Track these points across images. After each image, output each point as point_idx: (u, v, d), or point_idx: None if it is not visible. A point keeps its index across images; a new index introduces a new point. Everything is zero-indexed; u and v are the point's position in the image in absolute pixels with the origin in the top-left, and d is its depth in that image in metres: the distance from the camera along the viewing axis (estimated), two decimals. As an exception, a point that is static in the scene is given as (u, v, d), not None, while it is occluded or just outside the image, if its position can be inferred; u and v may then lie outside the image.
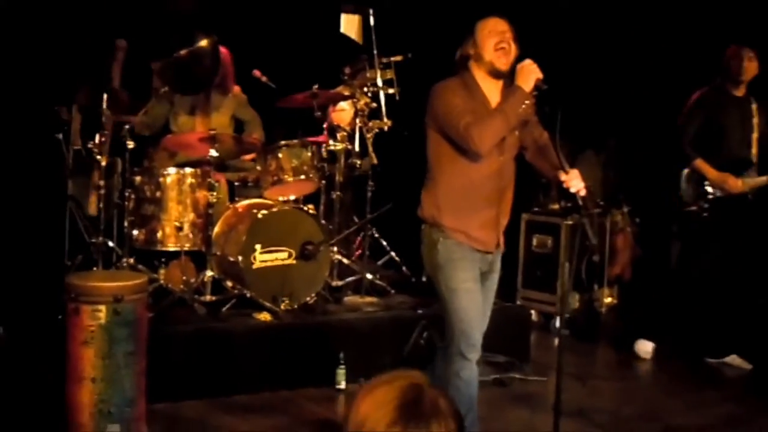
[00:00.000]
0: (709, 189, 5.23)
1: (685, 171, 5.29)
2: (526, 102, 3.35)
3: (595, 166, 6.93)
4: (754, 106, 5.30)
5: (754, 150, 5.29)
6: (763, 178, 5.19)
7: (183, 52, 4.87)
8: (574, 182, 3.37)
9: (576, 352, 5.64)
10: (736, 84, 5.25)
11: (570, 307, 6.35)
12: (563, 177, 3.37)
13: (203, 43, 4.91)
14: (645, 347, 5.50)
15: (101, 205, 4.76)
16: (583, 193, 3.37)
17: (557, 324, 6.14)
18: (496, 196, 3.51)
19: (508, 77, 3.42)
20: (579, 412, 4.45)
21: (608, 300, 6.79)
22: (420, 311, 5.02)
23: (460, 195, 3.46)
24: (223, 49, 5.39)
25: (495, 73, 3.44)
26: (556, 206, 6.42)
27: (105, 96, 4.73)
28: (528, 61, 3.37)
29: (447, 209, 3.47)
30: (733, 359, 5.38)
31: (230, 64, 5.46)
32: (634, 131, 7.72)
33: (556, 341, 5.96)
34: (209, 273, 4.86)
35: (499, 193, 3.52)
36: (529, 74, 3.33)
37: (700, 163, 5.22)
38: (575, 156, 6.77)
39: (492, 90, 3.46)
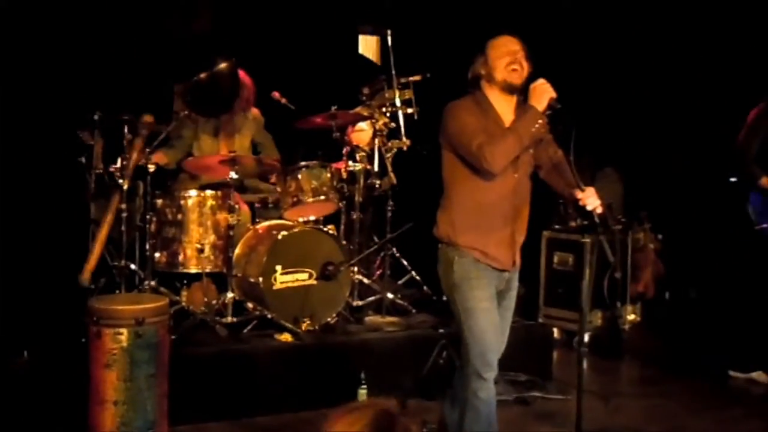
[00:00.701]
0: None
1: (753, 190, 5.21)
2: (540, 121, 3.36)
3: (615, 183, 6.90)
4: None
5: None
6: None
7: (203, 75, 4.92)
8: (590, 200, 3.36)
9: (599, 370, 5.61)
10: None
11: (593, 325, 6.31)
12: (579, 195, 3.37)
13: (222, 66, 4.96)
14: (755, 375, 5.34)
15: (123, 228, 4.79)
16: (599, 210, 3.36)
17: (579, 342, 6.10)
18: (511, 214, 3.50)
19: (522, 94, 3.43)
20: (602, 431, 4.42)
21: (631, 317, 6.74)
22: (441, 330, 5.00)
23: (475, 213, 3.46)
24: (241, 72, 5.44)
25: (509, 89, 3.44)
26: (575, 223, 6.39)
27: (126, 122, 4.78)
28: (541, 81, 3.38)
29: (462, 228, 3.47)
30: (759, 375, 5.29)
31: (251, 86, 5.52)
32: (654, 147, 7.70)
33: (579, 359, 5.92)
34: (230, 294, 4.88)
35: (515, 211, 3.52)
36: (543, 94, 3.34)
37: (766, 182, 5.16)
38: (595, 173, 6.75)
39: (505, 108, 3.47)
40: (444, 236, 3.52)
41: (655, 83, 7.54)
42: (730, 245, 7.28)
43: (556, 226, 6.50)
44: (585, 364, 5.73)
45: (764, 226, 5.16)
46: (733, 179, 7.95)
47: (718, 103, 7.76)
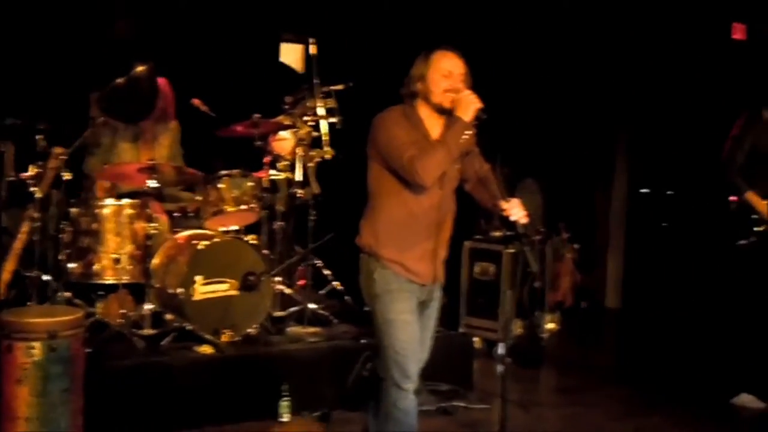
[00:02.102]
0: (757, 224, 5.05)
1: (732, 202, 5.11)
2: (467, 132, 3.37)
3: (535, 194, 7.01)
4: None
5: None
6: None
7: (120, 80, 4.81)
8: (515, 211, 3.39)
9: (519, 379, 5.66)
10: None
11: (513, 334, 6.39)
12: (504, 206, 3.39)
13: (140, 69, 4.85)
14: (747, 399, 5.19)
15: (36, 238, 4.64)
16: (524, 221, 3.39)
17: (500, 351, 6.16)
18: (435, 228, 3.51)
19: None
20: (523, 440, 4.47)
21: (550, 326, 6.84)
22: (363, 341, 4.98)
23: (400, 226, 3.45)
24: (162, 80, 5.34)
25: (441, 111, 3.44)
26: (498, 233, 6.46)
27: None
28: (467, 92, 3.38)
29: (385, 240, 3.45)
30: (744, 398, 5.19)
31: (170, 93, 5.42)
32: (572, 157, 7.88)
33: (500, 368, 5.98)
34: (148, 306, 4.77)
35: (438, 226, 3.52)
36: (469, 105, 3.34)
37: (750, 196, 5.04)
38: (515, 184, 6.85)
39: (434, 124, 3.46)
40: (366, 246, 3.50)
41: (571, 94, 7.73)
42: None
43: (478, 237, 6.56)
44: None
45: (742, 242, 5.09)
46: (644, 191, 8.20)
47: (630, 113, 8.02)
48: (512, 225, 3.37)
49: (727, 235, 5.24)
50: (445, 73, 3.40)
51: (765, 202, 5.03)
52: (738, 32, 7.52)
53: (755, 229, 5.08)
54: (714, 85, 7.34)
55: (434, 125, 3.46)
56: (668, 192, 8.29)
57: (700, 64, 7.45)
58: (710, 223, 6.86)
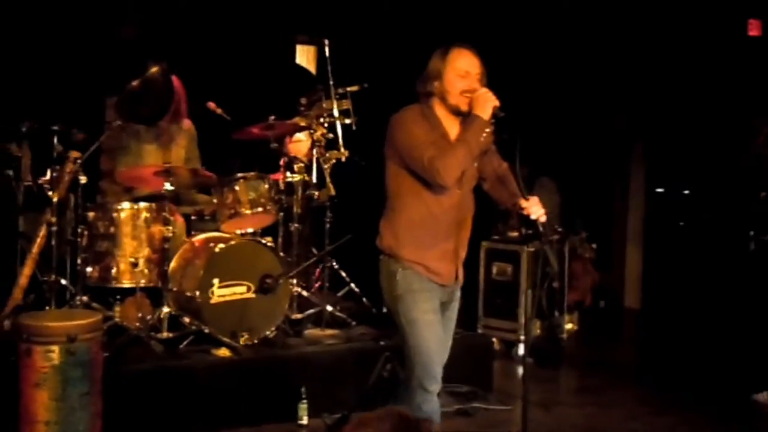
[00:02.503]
0: None
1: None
2: (486, 130, 3.34)
3: (552, 193, 6.98)
4: None
5: None
6: None
7: (135, 82, 4.80)
8: (535, 209, 3.36)
9: (539, 380, 5.63)
10: None
11: (531, 335, 6.34)
12: (524, 204, 3.36)
13: (154, 70, 4.84)
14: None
15: (53, 243, 4.64)
16: (543, 219, 3.36)
17: (520, 351, 6.13)
18: (455, 228, 3.48)
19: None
20: (544, 441, 4.44)
21: (569, 326, 6.80)
22: (382, 343, 4.96)
23: (420, 227, 3.43)
24: (173, 78, 5.34)
25: (458, 114, 3.41)
26: (515, 234, 6.42)
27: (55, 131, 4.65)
28: (483, 90, 3.35)
29: (406, 241, 3.43)
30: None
31: (183, 92, 5.41)
32: (589, 157, 7.84)
33: (519, 369, 5.96)
34: (166, 309, 4.76)
35: (458, 225, 3.49)
36: (486, 102, 3.31)
37: None
38: (532, 183, 6.81)
39: (451, 124, 3.43)
40: (387, 248, 3.47)
41: (589, 93, 7.68)
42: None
43: (495, 237, 6.53)
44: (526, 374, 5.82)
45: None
46: (660, 190, 8.14)
47: (655, 114, 7.96)
48: (532, 223, 3.34)
49: (745, 232, 5.19)
50: (462, 74, 3.37)
51: None
52: (754, 29, 7.45)
53: None
54: (730, 83, 7.27)
55: (452, 125, 3.43)
56: (685, 191, 8.24)
57: (716, 62, 7.38)
58: (727, 221, 6.82)
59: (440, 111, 3.43)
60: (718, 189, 7.46)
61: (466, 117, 3.37)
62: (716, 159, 7.37)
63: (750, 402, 5.07)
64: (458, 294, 3.61)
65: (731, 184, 5.19)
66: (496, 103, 3.31)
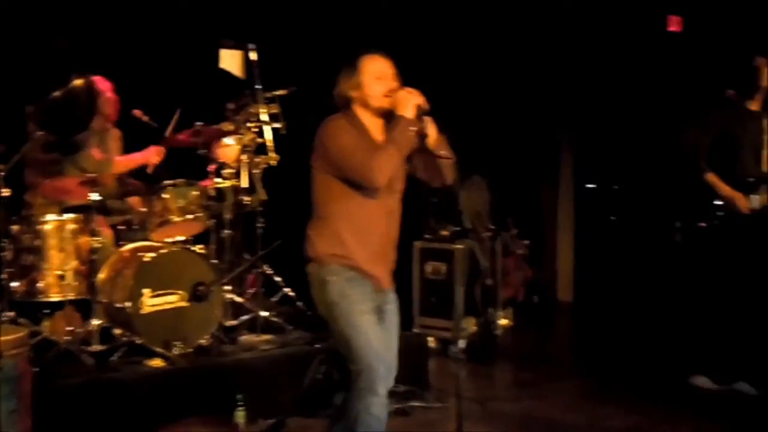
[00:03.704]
0: (719, 204, 5.12)
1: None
2: (412, 128, 3.36)
3: (482, 191, 7.04)
4: (765, 121, 5.18)
5: (764, 167, 5.17)
6: None
7: (57, 93, 4.71)
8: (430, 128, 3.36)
9: (475, 376, 5.68)
10: (751, 98, 5.15)
11: (467, 332, 6.40)
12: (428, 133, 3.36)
13: (78, 83, 4.75)
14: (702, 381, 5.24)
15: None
16: (425, 105, 3.34)
17: (455, 349, 6.17)
18: (384, 235, 3.50)
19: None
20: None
21: (504, 322, 6.88)
22: (318, 346, 4.95)
23: (350, 233, 3.43)
24: (107, 84, 5.26)
25: (381, 114, 3.44)
26: (446, 232, 6.45)
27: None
28: (404, 90, 3.39)
29: (335, 247, 3.43)
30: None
31: (115, 98, 5.34)
32: (518, 154, 7.95)
33: (455, 366, 6.00)
34: (96, 321, 4.68)
35: (387, 231, 3.52)
36: (408, 101, 3.36)
37: (711, 178, 5.11)
38: (462, 182, 6.86)
39: (377, 128, 3.47)
40: (316, 256, 3.47)
41: (514, 91, 7.79)
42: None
43: (428, 236, 6.56)
44: (461, 371, 5.88)
45: (702, 224, 5.18)
46: (590, 186, 8.30)
47: (583, 112, 8.11)
48: (458, 220, 3.36)
49: (671, 224, 5.32)
50: (378, 75, 3.43)
51: (726, 186, 5.08)
52: (674, 24, 7.65)
53: (717, 213, 5.15)
54: (653, 78, 7.45)
55: (377, 129, 3.46)
56: (615, 186, 8.41)
57: (637, 58, 7.56)
58: (654, 214, 6.97)
59: (364, 117, 3.47)
60: (646, 183, 7.63)
61: (390, 118, 3.41)
62: (642, 153, 7.54)
63: (688, 386, 5.17)
64: (393, 297, 3.62)
65: (658, 178, 5.30)
66: (419, 100, 3.35)
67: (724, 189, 5.12)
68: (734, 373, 5.14)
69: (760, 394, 5.02)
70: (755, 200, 5.10)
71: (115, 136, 5.47)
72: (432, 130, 3.39)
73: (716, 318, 5.13)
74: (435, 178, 3.57)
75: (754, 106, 5.19)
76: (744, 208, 5.09)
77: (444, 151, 3.47)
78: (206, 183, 5.35)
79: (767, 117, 5.19)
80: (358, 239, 3.44)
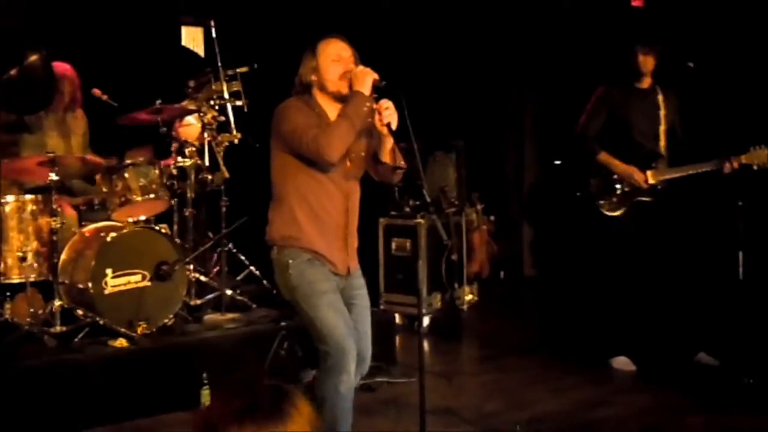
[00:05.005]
0: (617, 185, 5.15)
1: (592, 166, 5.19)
2: (367, 104, 3.37)
3: (446, 167, 7.05)
4: (660, 98, 5.19)
5: (662, 143, 5.17)
6: (673, 171, 5.09)
7: (12, 71, 4.63)
8: (387, 113, 3.33)
9: (441, 351, 5.72)
10: (637, 77, 5.17)
11: (433, 308, 6.44)
12: (375, 106, 3.35)
13: (33, 58, 4.68)
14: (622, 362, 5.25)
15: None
16: (395, 123, 3.34)
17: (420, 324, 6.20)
18: (344, 216, 3.50)
19: None
20: (446, 410, 4.51)
21: (469, 297, 6.92)
22: (283, 323, 4.94)
23: (308, 215, 3.44)
24: (67, 66, 5.19)
25: (340, 98, 3.44)
26: (409, 209, 6.46)
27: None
28: (360, 67, 3.39)
29: (294, 230, 3.43)
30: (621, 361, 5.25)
31: (77, 79, 5.29)
32: (480, 130, 7.95)
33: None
34: (58, 303, 4.63)
35: (347, 213, 3.51)
36: (364, 77, 3.36)
37: (604, 157, 5.13)
38: (425, 158, 6.87)
39: (334, 112, 3.45)
40: (278, 239, 3.47)
41: (477, 66, 7.79)
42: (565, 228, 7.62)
43: (393, 213, 6.57)
44: (427, 346, 5.92)
45: (606, 212, 5.20)
46: (557, 162, 8.33)
47: (545, 88, 8.13)
48: (419, 195, 3.36)
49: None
50: (335, 58, 3.42)
51: (620, 162, 5.09)
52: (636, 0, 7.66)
53: (616, 186, 5.17)
54: (616, 53, 7.46)
55: (334, 113, 3.44)
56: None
57: (601, 32, 7.57)
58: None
59: (322, 100, 3.47)
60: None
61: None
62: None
63: (650, 357, 5.21)
64: (361, 283, 3.62)
65: (618, 155, 5.30)
66: (375, 75, 3.36)
67: (619, 166, 5.12)
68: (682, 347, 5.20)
69: (720, 365, 5.11)
70: (651, 176, 5.10)
71: (79, 116, 5.40)
72: (393, 122, 3.35)
73: (637, 296, 5.15)
74: (390, 180, 3.60)
75: (644, 84, 5.20)
76: (641, 182, 5.09)
77: (400, 162, 3.48)
78: (168, 162, 5.30)
79: (661, 93, 5.21)
80: (314, 222, 3.44)
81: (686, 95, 5.36)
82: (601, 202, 5.21)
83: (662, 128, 5.20)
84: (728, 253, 5.17)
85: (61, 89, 5.20)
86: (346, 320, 3.44)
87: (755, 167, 4.93)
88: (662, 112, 5.20)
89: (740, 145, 4.99)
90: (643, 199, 5.14)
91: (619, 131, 5.16)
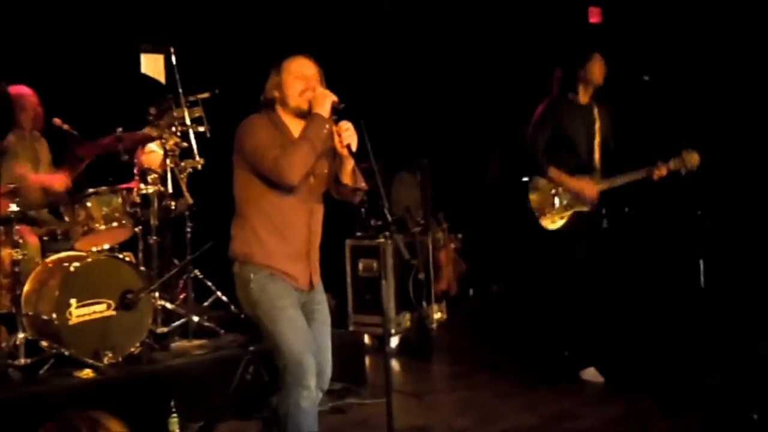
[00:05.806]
0: (556, 198, 5.18)
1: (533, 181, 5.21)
2: (327, 126, 3.41)
3: (410, 186, 7.08)
4: (595, 111, 5.26)
5: (596, 155, 5.24)
6: (608, 182, 5.15)
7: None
8: (347, 134, 3.37)
9: (411, 370, 5.72)
10: (582, 91, 5.23)
11: (402, 327, 6.44)
12: (335, 128, 3.38)
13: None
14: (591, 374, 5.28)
15: None
16: (354, 144, 3.37)
17: (391, 345, 6.21)
18: (306, 232, 3.52)
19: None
20: (417, 429, 4.52)
21: (438, 316, 6.93)
22: (251, 348, 4.89)
23: (270, 232, 3.45)
24: (29, 91, 5.18)
25: (301, 115, 3.47)
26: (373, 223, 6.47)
27: None
28: (321, 89, 3.44)
29: (257, 246, 3.45)
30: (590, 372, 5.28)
31: (40, 106, 5.27)
32: (444, 150, 8.00)
33: (392, 362, 6.02)
34: (22, 335, 4.58)
35: (309, 229, 3.53)
36: (323, 99, 3.39)
37: (554, 173, 5.14)
38: (390, 177, 6.91)
39: (297, 128, 3.48)
40: (239, 255, 3.48)
41: (439, 85, 7.85)
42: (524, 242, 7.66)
43: (358, 234, 6.58)
44: (397, 366, 5.92)
45: (540, 217, 5.22)
46: (525, 179, 8.40)
47: (509, 106, 8.20)
48: (381, 215, 3.38)
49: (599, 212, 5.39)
50: (298, 75, 3.46)
51: (570, 177, 5.13)
52: (594, 16, 7.79)
53: (555, 200, 5.20)
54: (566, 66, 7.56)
55: (297, 128, 3.48)
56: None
57: (559, 48, 7.67)
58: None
59: (285, 116, 3.51)
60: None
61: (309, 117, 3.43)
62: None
63: (618, 369, 5.24)
64: (321, 296, 3.63)
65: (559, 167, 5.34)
66: (334, 98, 3.40)
67: (570, 181, 5.16)
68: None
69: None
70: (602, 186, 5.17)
71: (44, 142, 5.39)
72: (353, 143, 3.38)
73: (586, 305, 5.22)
74: (352, 201, 3.62)
75: (583, 99, 5.26)
76: (593, 196, 5.15)
77: (360, 183, 3.52)
78: (131, 186, 5.28)
79: (597, 107, 5.28)
80: (276, 238, 3.46)
81: (632, 107, 5.45)
82: (542, 216, 5.23)
83: (597, 141, 5.27)
84: (689, 262, 5.24)
85: (25, 106, 5.19)
86: (305, 336, 3.45)
87: (683, 172, 5.05)
88: (597, 126, 5.27)
89: (672, 154, 5.10)
90: (582, 209, 5.20)
91: (561, 144, 5.20)
